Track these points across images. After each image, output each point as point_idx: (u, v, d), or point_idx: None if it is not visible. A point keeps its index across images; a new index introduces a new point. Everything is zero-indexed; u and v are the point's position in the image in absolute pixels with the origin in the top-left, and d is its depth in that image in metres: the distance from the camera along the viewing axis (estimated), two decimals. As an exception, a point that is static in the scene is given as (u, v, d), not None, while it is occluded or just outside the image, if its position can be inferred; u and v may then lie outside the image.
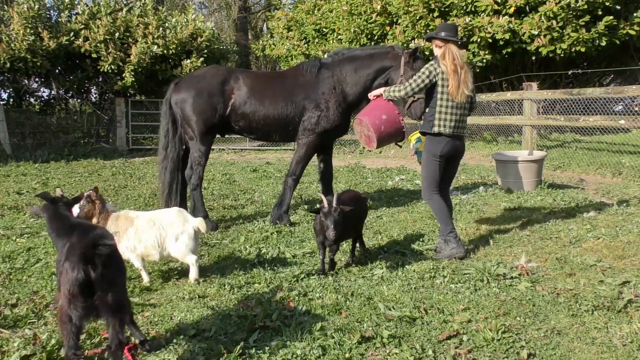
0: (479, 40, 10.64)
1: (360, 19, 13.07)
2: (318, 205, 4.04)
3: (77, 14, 14.43)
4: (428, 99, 4.58)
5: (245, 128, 5.95)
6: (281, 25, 17.67)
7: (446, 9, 11.32)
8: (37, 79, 15.21)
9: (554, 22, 9.83)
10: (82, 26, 14.00)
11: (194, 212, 5.77)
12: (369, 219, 5.79)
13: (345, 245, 4.70)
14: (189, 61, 14.78)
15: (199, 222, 3.96)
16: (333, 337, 2.99)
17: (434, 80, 4.44)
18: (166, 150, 5.93)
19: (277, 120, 5.87)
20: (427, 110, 4.60)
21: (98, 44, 13.78)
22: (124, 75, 14.18)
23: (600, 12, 9.80)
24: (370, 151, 12.63)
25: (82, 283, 2.42)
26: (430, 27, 11.30)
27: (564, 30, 9.95)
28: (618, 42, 10.02)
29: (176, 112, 5.85)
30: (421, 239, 5.06)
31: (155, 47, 14.21)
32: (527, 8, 10.34)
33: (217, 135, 6.34)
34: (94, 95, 16.34)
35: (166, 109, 5.89)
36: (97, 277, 2.45)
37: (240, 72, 6.12)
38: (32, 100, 15.88)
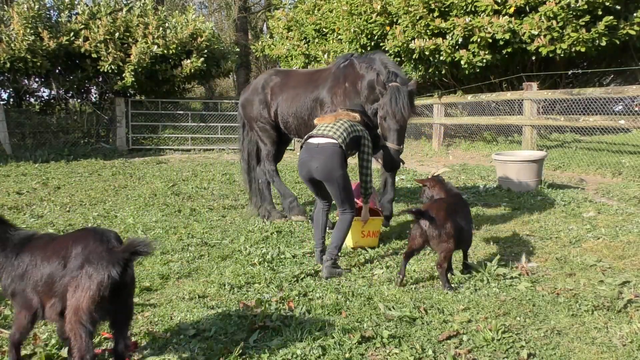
0: (479, 40, 10.63)
1: (360, 19, 13.06)
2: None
3: (77, 14, 14.42)
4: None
5: (284, 125, 6.15)
6: (281, 25, 17.66)
7: (446, 9, 11.31)
8: (37, 79, 15.21)
9: (554, 22, 9.82)
10: (82, 26, 14.00)
11: (284, 198, 6.11)
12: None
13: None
14: (189, 61, 14.78)
15: None
16: (333, 337, 3.00)
17: None
18: (241, 152, 6.71)
19: (298, 116, 5.92)
20: None
21: (98, 44, 13.78)
22: (124, 75, 14.18)
23: (600, 12, 9.78)
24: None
25: (110, 286, 2.42)
26: (430, 27, 11.29)
27: (564, 30, 9.94)
28: (618, 42, 10.01)
29: (241, 114, 6.49)
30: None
31: (156, 47, 14.21)
32: (527, 8, 10.33)
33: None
34: (94, 95, 16.34)
35: (239, 112, 6.62)
36: (128, 281, 2.51)
37: (280, 71, 6.42)
38: (32, 100, 15.88)
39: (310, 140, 4.26)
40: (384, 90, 5.05)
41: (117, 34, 14.05)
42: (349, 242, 4.85)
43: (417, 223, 3.78)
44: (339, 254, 4.28)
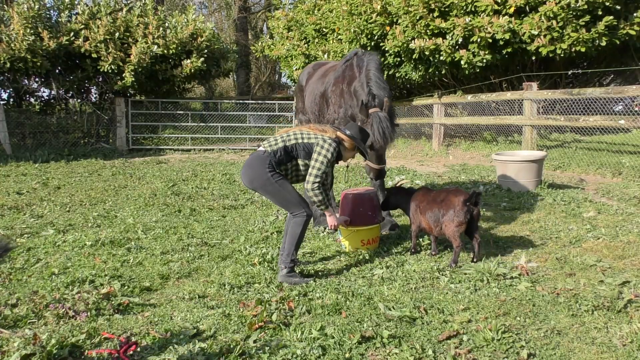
0: (479, 40, 10.63)
1: (360, 19, 13.05)
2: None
3: (77, 14, 14.43)
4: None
5: (309, 120, 6.16)
6: (281, 25, 17.65)
7: (446, 9, 11.30)
8: (37, 79, 15.21)
9: (554, 22, 9.81)
10: (82, 26, 14.00)
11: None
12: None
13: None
14: (189, 61, 14.78)
15: None
16: (333, 337, 3.00)
17: None
18: None
19: (313, 111, 5.90)
20: None
21: (98, 44, 13.78)
22: (124, 75, 14.18)
23: (600, 12, 9.78)
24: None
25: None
26: (430, 27, 11.29)
27: (564, 30, 9.94)
28: (618, 42, 10.00)
29: None
30: (421, 239, 5.06)
31: (156, 47, 14.20)
32: (527, 8, 10.33)
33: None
34: (94, 95, 16.34)
35: None
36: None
37: (316, 64, 6.46)
38: (32, 100, 15.88)
39: None
40: (362, 111, 4.84)
41: (117, 34, 14.05)
42: (347, 248, 4.81)
43: (468, 207, 4.19)
44: (296, 259, 4.08)
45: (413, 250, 4.64)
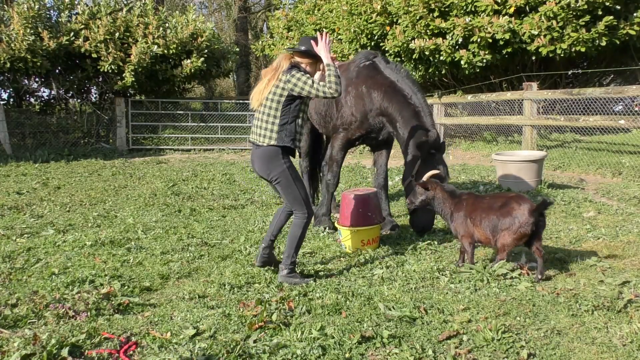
0: (479, 40, 10.64)
1: (360, 19, 13.06)
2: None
3: (77, 14, 14.42)
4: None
5: (311, 119, 6.11)
6: (281, 25, 17.66)
7: (446, 9, 11.31)
8: (37, 79, 15.21)
9: (554, 22, 9.82)
10: (82, 26, 14.00)
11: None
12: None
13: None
14: (189, 61, 14.78)
15: None
16: (333, 337, 3.00)
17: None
18: None
19: (317, 111, 5.85)
20: None
21: (98, 44, 13.78)
22: (124, 75, 14.18)
23: (600, 12, 9.79)
24: (370, 151, 12.63)
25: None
26: (430, 27, 11.30)
27: (564, 30, 9.95)
28: (618, 42, 10.01)
29: None
30: (421, 239, 5.06)
31: (156, 47, 14.20)
32: (527, 8, 10.34)
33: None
34: (94, 95, 16.34)
35: None
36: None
37: None
38: (32, 100, 15.87)
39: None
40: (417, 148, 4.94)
41: (117, 34, 14.05)
42: (348, 248, 4.82)
43: (534, 214, 3.78)
44: (296, 261, 4.06)
45: (465, 263, 4.19)
